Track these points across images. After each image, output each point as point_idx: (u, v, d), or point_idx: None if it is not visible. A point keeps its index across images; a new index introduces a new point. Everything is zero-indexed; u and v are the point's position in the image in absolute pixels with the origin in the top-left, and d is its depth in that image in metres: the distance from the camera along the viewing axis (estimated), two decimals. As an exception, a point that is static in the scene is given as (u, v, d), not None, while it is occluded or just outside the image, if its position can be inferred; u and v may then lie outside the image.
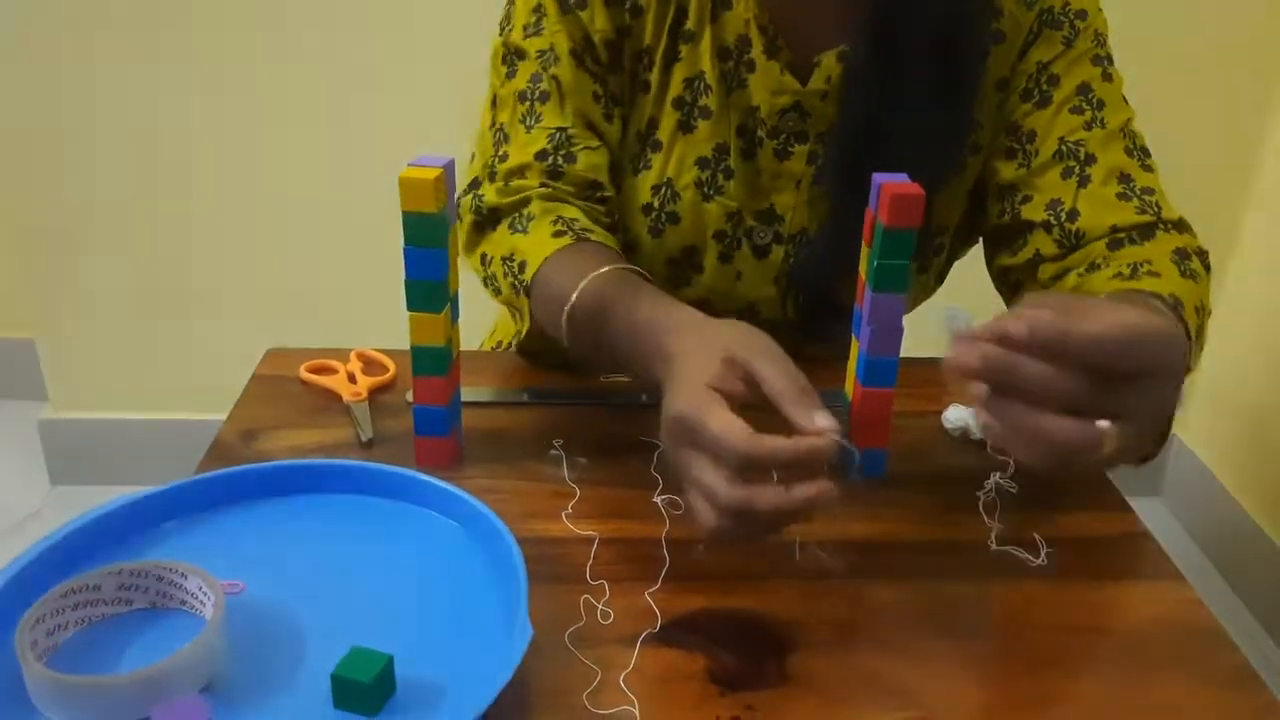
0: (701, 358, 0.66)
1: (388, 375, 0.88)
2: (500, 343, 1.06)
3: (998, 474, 0.79)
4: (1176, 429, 1.98)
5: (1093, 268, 0.83)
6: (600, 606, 0.65)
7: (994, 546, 0.72)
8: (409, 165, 0.70)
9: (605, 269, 0.78)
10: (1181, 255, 0.82)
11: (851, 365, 0.79)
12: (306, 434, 0.81)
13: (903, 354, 0.75)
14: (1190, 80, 1.80)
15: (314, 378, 0.87)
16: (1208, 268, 0.84)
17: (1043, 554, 0.71)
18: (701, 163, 0.90)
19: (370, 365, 0.90)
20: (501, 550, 0.65)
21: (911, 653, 0.63)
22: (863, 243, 0.76)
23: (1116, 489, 0.80)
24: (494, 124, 0.92)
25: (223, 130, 1.78)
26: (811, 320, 0.96)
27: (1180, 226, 0.86)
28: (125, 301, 1.89)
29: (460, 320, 0.78)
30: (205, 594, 0.60)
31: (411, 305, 0.72)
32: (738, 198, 0.90)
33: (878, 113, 0.86)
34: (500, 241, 0.87)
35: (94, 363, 1.94)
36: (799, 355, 1.00)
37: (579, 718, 0.57)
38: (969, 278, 1.01)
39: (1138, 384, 0.58)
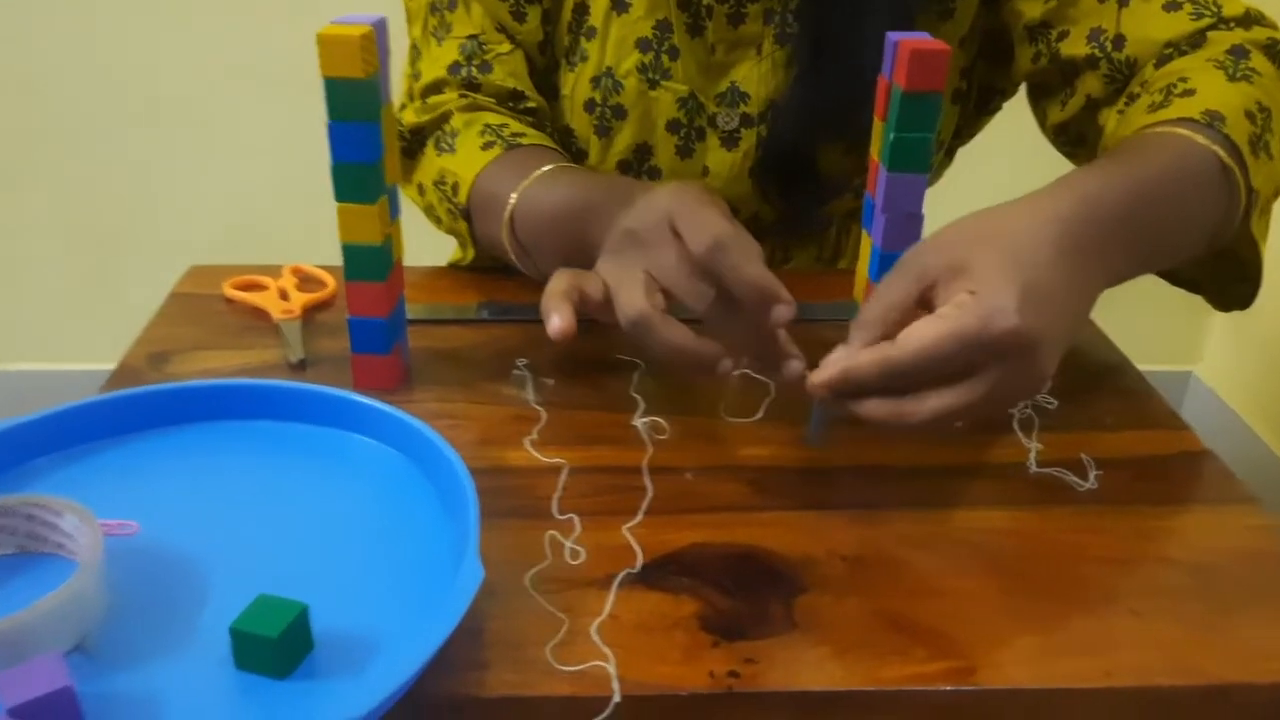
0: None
1: (326, 291, 0.76)
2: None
3: (1033, 388, 0.68)
4: (1193, 367, 1.89)
5: (1131, 99, 0.71)
6: (569, 544, 0.54)
7: (1034, 469, 0.61)
8: (331, 23, 0.58)
9: (546, 168, 0.69)
10: (1237, 54, 0.68)
11: (862, 267, 0.68)
12: (227, 356, 0.69)
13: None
14: None
15: (240, 295, 0.75)
16: None
17: (1091, 476, 0.61)
18: (642, 44, 0.79)
19: (307, 281, 0.78)
20: (449, 480, 0.54)
21: (943, 592, 0.52)
22: (874, 116, 0.65)
23: (1168, 403, 0.69)
24: (410, 43, 0.85)
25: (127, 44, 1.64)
26: (794, 207, 0.85)
27: (1246, 21, 0.72)
28: (44, 245, 1.75)
29: (403, 218, 0.66)
30: (83, 534, 0.49)
31: (340, 194, 0.61)
32: (689, 80, 0.80)
33: None
34: (429, 166, 0.79)
35: (15, 312, 1.80)
36: (786, 261, 0.92)
37: (542, 675, 0.46)
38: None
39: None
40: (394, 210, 0.64)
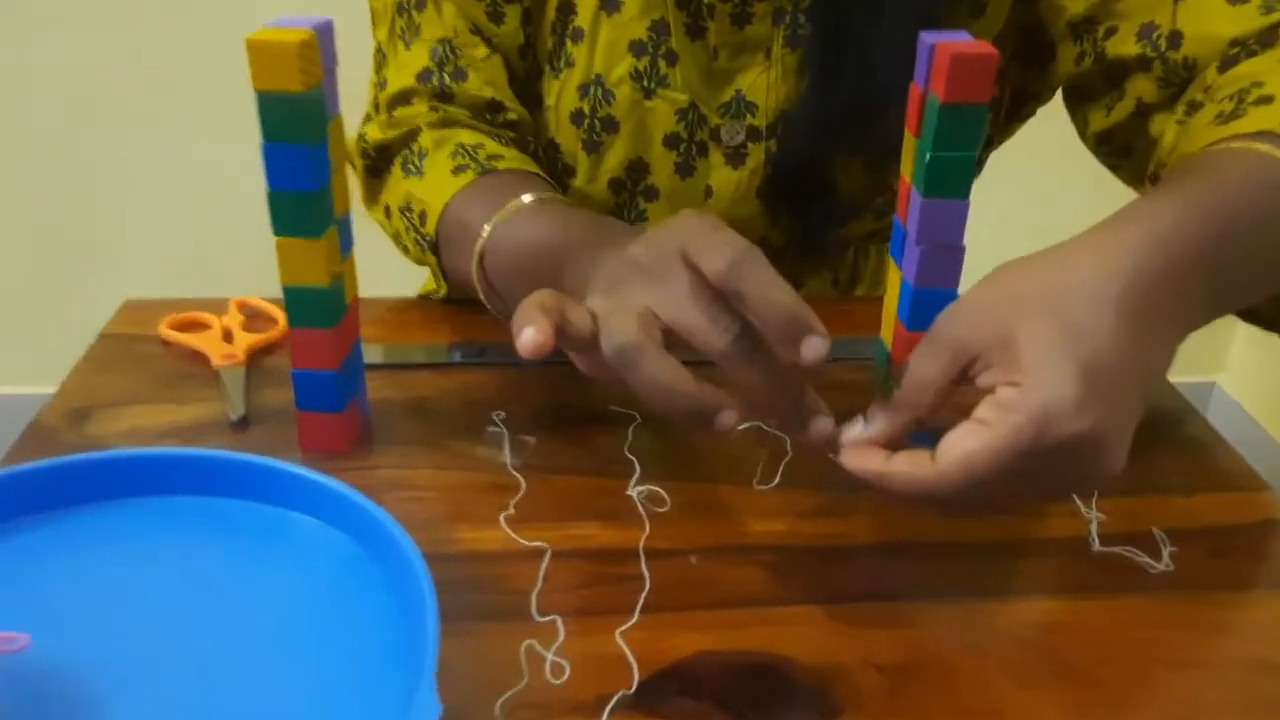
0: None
1: (276, 330, 0.67)
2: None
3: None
4: (1216, 377, 1.80)
5: (1193, 108, 0.62)
6: (551, 656, 0.45)
7: (1096, 546, 0.52)
8: (264, 26, 0.49)
9: (525, 199, 0.60)
10: None
11: (890, 303, 0.59)
12: (157, 412, 0.60)
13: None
14: None
15: (177, 336, 0.66)
16: None
17: (1165, 554, 0.52)
18: (635, 48, 0.69)
19: (255, 318, 0.69)
20: (405, 576, 0.45)
21: (1002, 712, 0.43)
22: (905, 129, 0.56)
23: (1240, 456, 0.60)
24: (376, 47, 0.75)
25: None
26: (808, 231, 0.75)
27: None
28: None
29: (357, 250, 0.57)
30: (-48, 660, 0.40)
31: (278, 227, 0.52)
32: (689, 88, 0.71)
33: None
34: (396, 189, 0.70)
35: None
36: (797, 288, 0.81)
37: (515, 841, 0.37)
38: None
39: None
40: (345, 244, 0.55)
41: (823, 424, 0.46)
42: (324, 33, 0.50)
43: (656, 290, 0.47)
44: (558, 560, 0.50)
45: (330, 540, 0.49)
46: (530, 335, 0.44)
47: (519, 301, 0.59)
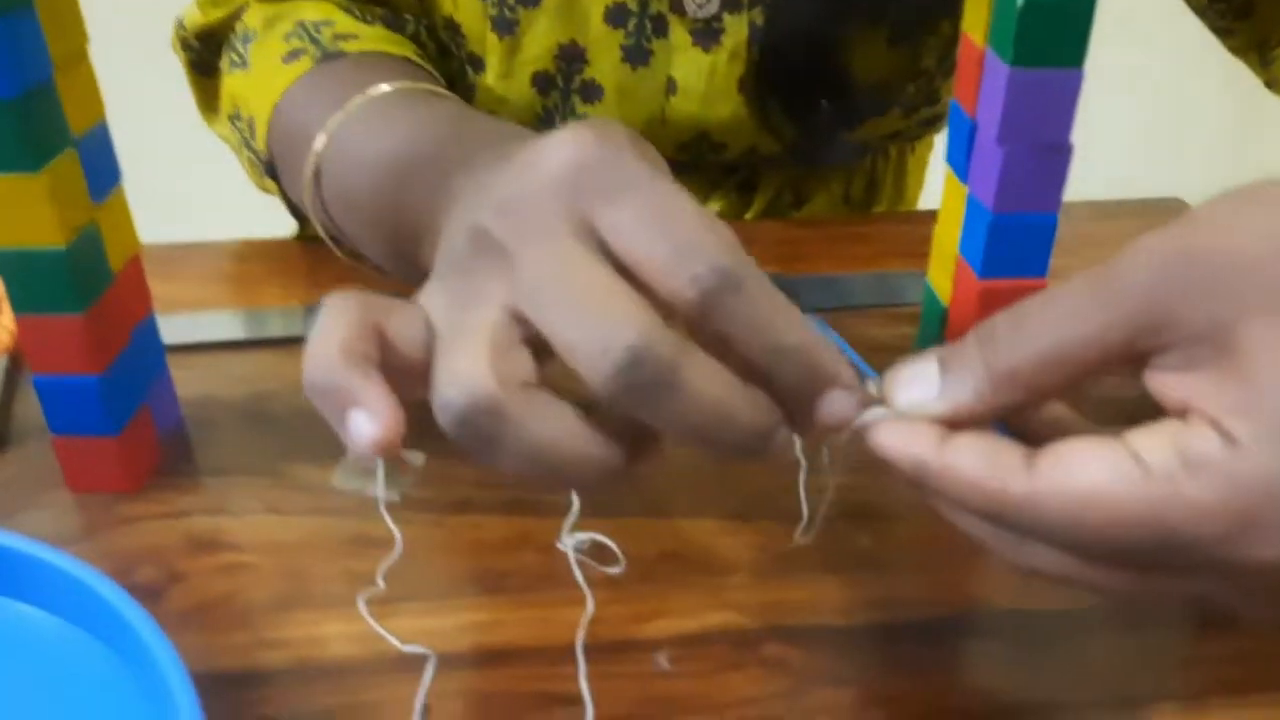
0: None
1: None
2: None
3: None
4: None
5: None
6: None
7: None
8: None
9: (377, 91, 0.40)
10: None
11: (946, 232, 0.40)
12: None
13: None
14: None
15: (-81, 313, 0.46)
16: None
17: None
18: None
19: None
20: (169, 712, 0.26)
21: None
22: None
23: None
24: None
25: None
26: (811, 135, 0.56)
27: None
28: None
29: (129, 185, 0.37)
30: None
31: (-35, 156, 0.32)
32: None
33: None
34: (224, 91, 0.51)
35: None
36: (798, 205, 0.63)
37: None
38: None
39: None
40: (102, 176, 0.35)
41: (839, 406, 0.26)
42: None
43: (529, 271, 0.26)
44: (447, 673, 0.31)
45: (78, 650, 0.31)
46: (368, 431, 0.26)
47: (368, 250, 0.40)
